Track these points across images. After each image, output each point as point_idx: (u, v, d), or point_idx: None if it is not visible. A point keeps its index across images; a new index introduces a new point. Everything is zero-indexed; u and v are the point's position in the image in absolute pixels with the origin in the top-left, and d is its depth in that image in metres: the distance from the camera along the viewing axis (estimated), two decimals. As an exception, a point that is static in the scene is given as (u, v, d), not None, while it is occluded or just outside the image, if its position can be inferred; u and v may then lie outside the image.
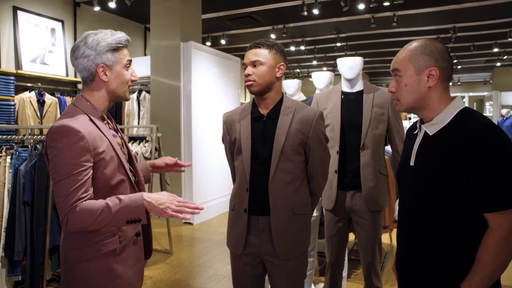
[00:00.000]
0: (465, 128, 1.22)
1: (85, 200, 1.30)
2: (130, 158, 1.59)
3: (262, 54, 1.71)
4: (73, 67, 1.53)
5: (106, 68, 1.45)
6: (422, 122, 1.38)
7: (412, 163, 1.36)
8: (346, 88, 2.41)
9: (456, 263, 1.25)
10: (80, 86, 6.34)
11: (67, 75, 6.00)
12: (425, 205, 1.30)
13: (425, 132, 1.33)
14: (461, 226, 1.24)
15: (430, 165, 1.28)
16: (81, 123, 1.36)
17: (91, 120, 1.41)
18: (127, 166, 1.50)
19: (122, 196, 1.34)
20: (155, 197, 1.35)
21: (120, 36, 1.47)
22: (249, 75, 1.72)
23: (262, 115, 1.78)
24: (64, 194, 1.29)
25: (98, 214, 1.29)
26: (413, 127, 1.46)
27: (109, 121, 1.56)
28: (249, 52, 1.74)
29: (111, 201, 1.32)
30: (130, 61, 1.52)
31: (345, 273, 2.89)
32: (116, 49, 1.45)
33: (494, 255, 1.17)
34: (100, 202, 1.31)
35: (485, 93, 16.16)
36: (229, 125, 1.86)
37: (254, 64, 1.72)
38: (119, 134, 1.58)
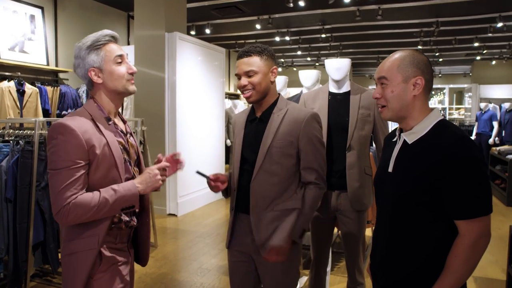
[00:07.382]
0: (440, 140, 1.27)
1: (79, 195, 1.35)
2: (138, 161, 1.61)
3: (255, 63, 1.68)
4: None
5: (97, 70, 1.44)
6: (401, 130, 1.42)
7: (390, 169, 1.40)
8: (333, 88, 2.43)
9: (432, 268, 1.30)
10: (61, 75, 6.18)
11: (47, 64, 5.83)
12: (404, 211, 1.34)
13: (404, 141, 1.38)
14: (438, 232, 1.29)
15: (410, 173, 1.32)
16: (78, 122, 1.38)
17: (92, 120, 1.43)
18: (121, 168, 1.46)
19: (115, 186, 1.41)
20: (143, 179, 1.48)
21: (99, 34, 1.45)
22: (245, 85, 1.70)
23: (256, 117, 1.80)
24: (58, 188, 1.34)
25: (94, 207, 1.35)
26: (392, 134, 1.51)
27: (118, 122, 1.55)
28: (241, 62, 1.70)
29: (106, 192, 1.39)
30: (121, 55, 1.48)
31: (328, 268, 2.95)
32: (98, 48, 1.43)
33: (463, 261, 1.23)
34: (95, 195, 1.37)
35: (465, 85, 16.52)
36: (234, 126, 1.92)
37: (248, 74, 1.69)
38: (127, 136, 1.57)
